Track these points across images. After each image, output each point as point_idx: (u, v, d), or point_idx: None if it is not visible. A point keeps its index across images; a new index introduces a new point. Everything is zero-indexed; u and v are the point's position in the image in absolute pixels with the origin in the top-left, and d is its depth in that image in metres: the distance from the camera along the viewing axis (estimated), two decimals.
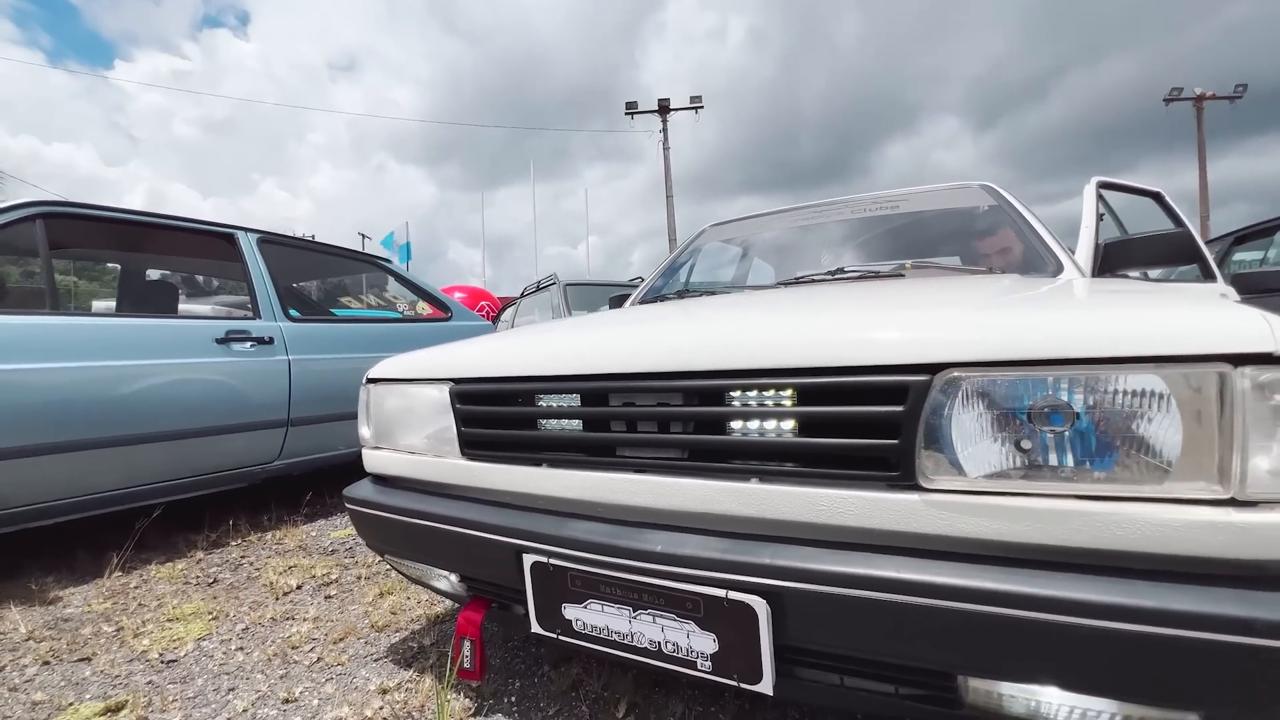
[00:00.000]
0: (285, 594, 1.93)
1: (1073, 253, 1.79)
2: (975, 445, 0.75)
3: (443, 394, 1.20)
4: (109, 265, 3.50)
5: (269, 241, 2.93)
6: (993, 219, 2.09)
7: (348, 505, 1.33)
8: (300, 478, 3.22)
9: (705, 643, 0.87)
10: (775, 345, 0.87)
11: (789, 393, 0.85)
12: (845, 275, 1.89)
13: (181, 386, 2.34)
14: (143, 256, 3.44)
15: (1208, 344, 0.65)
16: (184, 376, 2.35)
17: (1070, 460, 0.72)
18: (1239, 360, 0.64)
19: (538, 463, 1.08)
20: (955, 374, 0.75)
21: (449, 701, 1.23)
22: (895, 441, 0.77)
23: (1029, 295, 1.13)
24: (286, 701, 1.30)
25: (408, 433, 1.30)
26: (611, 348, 1.03)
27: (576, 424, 1.06)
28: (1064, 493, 0.71)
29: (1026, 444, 0.73)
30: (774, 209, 2.67)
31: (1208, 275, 1.93)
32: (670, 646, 0.91)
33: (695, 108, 21.97)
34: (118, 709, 1.28)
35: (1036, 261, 1.77)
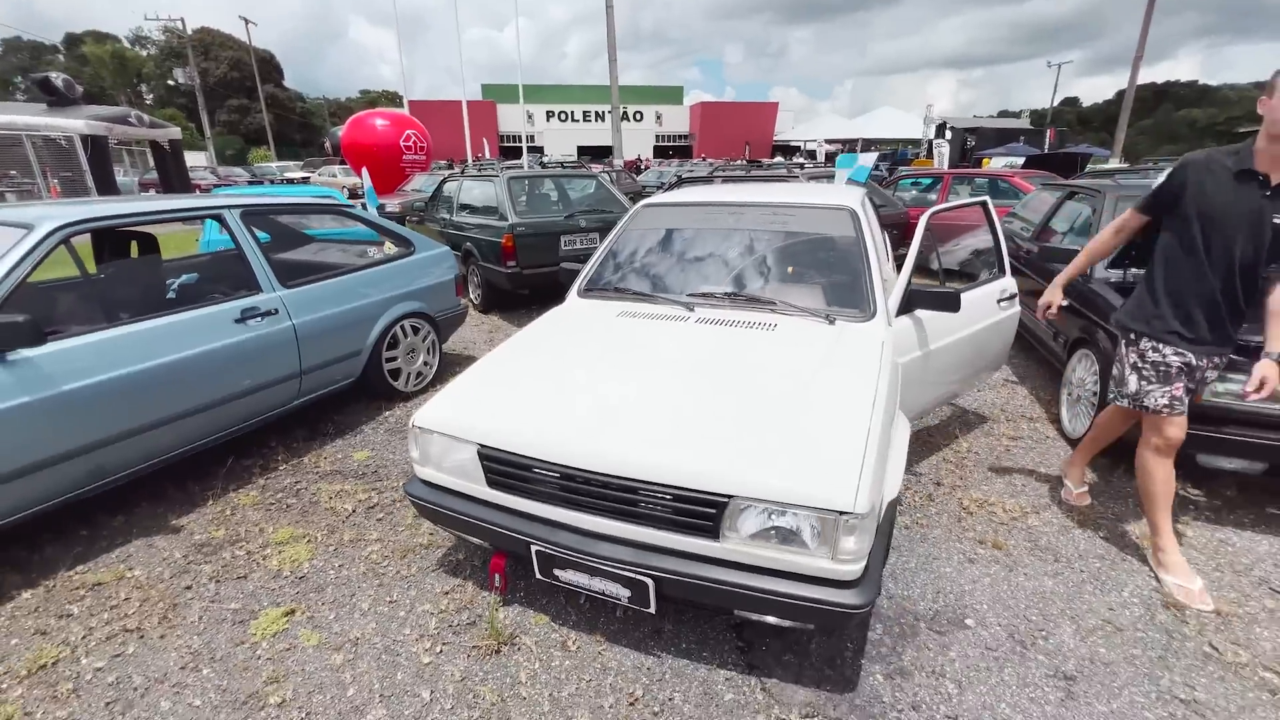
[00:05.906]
0: (345, 517, 2.83)
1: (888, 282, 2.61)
2: (747, 526, 1.69)
3: (471, 451, 2.01)
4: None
5: (252, 213, 3.27)
6: (844, 251, 2.83)
7: (413, 500, 2.18)
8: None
9: (624, 591, 1.87)
10: (656, 469, 1.74)
11: (666, 492, 1.74)
12: (736, 299, 2.68)
13: (219, 358, 2.94)
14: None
15: (827, 502, 1.58)
16: (222, 350, 2.94)
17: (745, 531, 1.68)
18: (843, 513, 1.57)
19: (534, 496, 1.96)
20: (738, 500, 1.66)
21: (490, 608, 2.25)
22: (713, 522, 1.69)
23: (797, 424, 1.98)
24: (391, 603, 2.28)
25: (446, 463, 2.12)
26: (575, 452, 1.85)
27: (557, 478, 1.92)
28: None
29: (769, 531, 1.68)
30: (693, 200, 3.28)
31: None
32: (609, 591, 1.90)
33: None
34: (292, 612, 2.23)
35: (860, 302, 2.60)
